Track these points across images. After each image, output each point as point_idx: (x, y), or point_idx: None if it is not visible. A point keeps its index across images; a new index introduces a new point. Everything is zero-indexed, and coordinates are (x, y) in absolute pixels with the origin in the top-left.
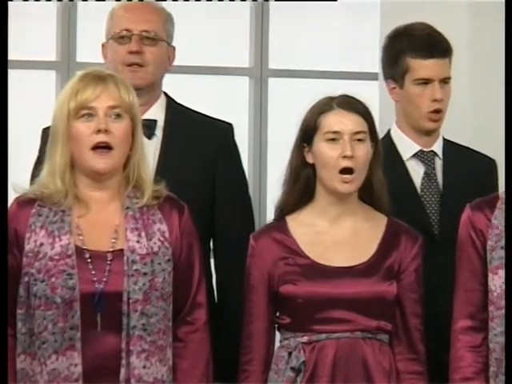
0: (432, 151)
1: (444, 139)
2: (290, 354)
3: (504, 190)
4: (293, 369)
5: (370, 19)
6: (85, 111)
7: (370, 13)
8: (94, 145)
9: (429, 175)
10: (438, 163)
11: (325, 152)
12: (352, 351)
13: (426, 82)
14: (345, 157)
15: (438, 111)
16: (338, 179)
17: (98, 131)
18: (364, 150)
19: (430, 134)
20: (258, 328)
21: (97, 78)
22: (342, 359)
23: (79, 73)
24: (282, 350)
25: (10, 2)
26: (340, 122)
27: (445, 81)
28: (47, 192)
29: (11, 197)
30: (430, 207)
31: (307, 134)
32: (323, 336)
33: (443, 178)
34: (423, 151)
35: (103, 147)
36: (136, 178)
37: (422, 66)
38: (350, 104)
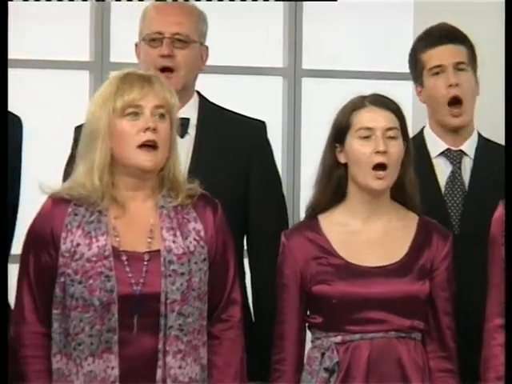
0: (460, 150)
1: (482, 138)
2: (322, 354)
3: None
4: (326, 369)
5: (404, 19)
6: (131, 109)
7: (404, 13)
8: (141, 143)
9: (454, 174)
10: (467, 163)
11: (357, 149)
12: (386, 351)
13: (438, 70)
14: (378, 152)
15: (456, 101)
16: (371, 176)
17: (146, 129)
18: (396, 147)
19: (458, 131)
20: (290, 327)
21: (142, 77)
22: (376, 359)
23: (119, 73)
24: (314, 350)
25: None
26: (372, 118)
27: (459, 67)
28: (84, 193)
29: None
30: (452, 207)
31: (339, 132)
32: (357, 336)
33: (470, 178)
34: (451, 150)
35: (149, 146)
36: (171, 179)
37: (433, 55)
38: (382, 101)
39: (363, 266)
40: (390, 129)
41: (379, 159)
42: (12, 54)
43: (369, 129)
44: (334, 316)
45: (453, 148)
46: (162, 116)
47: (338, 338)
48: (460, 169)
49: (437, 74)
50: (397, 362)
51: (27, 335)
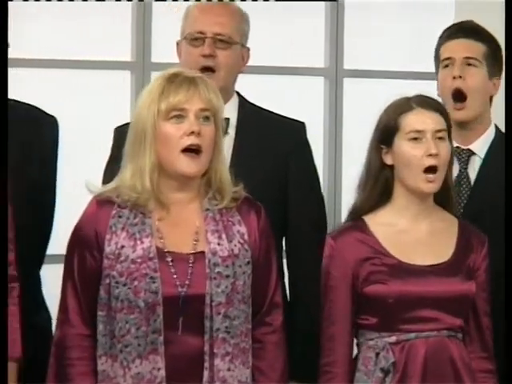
0: (468, 149)
1: (500, 137)
2: (377, 354)
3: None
4: (382, 370)
5: (446, 19)
6: (176, 112)
7: (445, 13)
8: (185, 147)
9: (460, 175)
10: (476, 162)
11: (408, 152)
12: (440, 350)
13: (448, 62)
14: (430, 155)
15: (459, 94)
16: (421, 178)
17: (191, 133)
18: (446, 149)
19: (466, 127)
20: (340, 329)
21: (188, 79)
22: (432, 358)
23: (165, 73)
24: (368, 350)
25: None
26: (422, 121)
27: (468, 61)
28: (134, 195)
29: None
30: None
31: (386, 135)
32: (412, 335)
33: (475, 179)
34: (459, 148)
35: (193, 150)
36: (218, 182)
37: (446, 48)
38: (429, 103)
39: (416, 265)
40: (439, 131)
41: (431, 162)
42: (54, 55)
43: (419, 131)
44: (388, 316)
45: (462, 146)
46: (206, 119)
47: (393, 338)
48: (466, 169)
49: (446, 66)
50: (450, 361)
51: (72, 337)
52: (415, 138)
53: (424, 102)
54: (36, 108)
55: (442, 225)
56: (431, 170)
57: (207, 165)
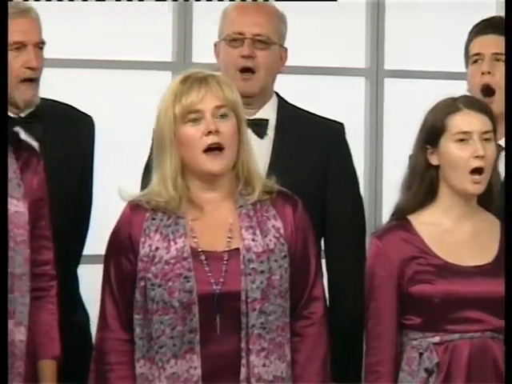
0: (498, 145)
1: None
2: (420, 354)
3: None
4: (426, 370)
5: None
6: (192, 115)
7: (486, 13)
8: (206, 147)
9: None
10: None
11: (454, 153)
12: (484, 351)
13: (477, 58)
14: (477, 157)
15: (488, 89)
16: (468, 180)
17: (209, 133)
18: (492, 150)
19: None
20: (386, 328)
21: (199, 79)
22: (476, 359)
23: (179, 77)
24: (412, 350)
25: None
26: (469, 122)
27: (497, 57)
28: (162, 201)
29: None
30: None
31: (432, 135)
32: (456, 336)
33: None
34: None
35: (215, 148)
36: (245, 173)
37: (475, 44)
38: (475, 104)
39: (461, 266)
40: (485, 132)
41: (477, 163)
42: (95, 55)
43: (466, 133)
44: (433, 316)
45: None
46: (224, 116)
47: (436, 339)
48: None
49: (475, 62)
50: (493, 362)
51: (111, 342)
52: (462, 140)
53: (471, 102)
54: (73, 107)
55: (485, 226)
56: (477, 171)
57: (233, 160)
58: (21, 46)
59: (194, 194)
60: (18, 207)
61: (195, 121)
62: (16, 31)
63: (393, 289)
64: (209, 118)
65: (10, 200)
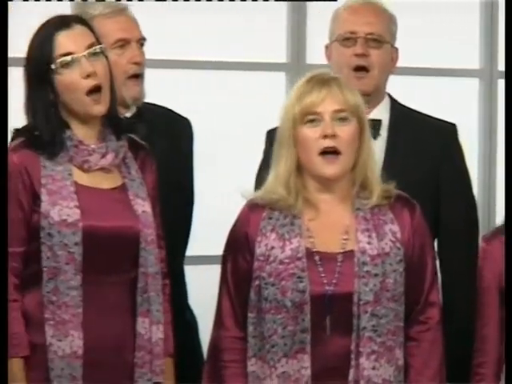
0: None
1: None
2: None
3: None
4: None
5: None
6: (311, 117)
7: None
8: (321, 150)
9: None
10: None
11: None
12: None
13: None
14: None
15: None
16: None
17: (325, 136)
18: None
19: None
20: (491, 331)
21: (321, 82)
22: None
23: (305, 76)
24: None
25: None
26: None
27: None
28: (275, 197)
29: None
30: None
31: None
32: None
33: None
34: None
35: (331, 152)
36: (362, 177)
37: None
38: None
39: None
40: None
41: None
42: (210, 57)
43: None
44: None
45: None
46: (344, 119)
47: None
48: None
49: None
50: None
51: (225, 340)
52: None
53: None
54: (170, 110)
55: None
56: None
57: (349, 165)
58: (124, 43)
59: (311, 194)
60: (144, 207)
61: (314, 122)
62: (117, 29)
63: (498, 291)
64: (327, 121)
65: (136, 200)
